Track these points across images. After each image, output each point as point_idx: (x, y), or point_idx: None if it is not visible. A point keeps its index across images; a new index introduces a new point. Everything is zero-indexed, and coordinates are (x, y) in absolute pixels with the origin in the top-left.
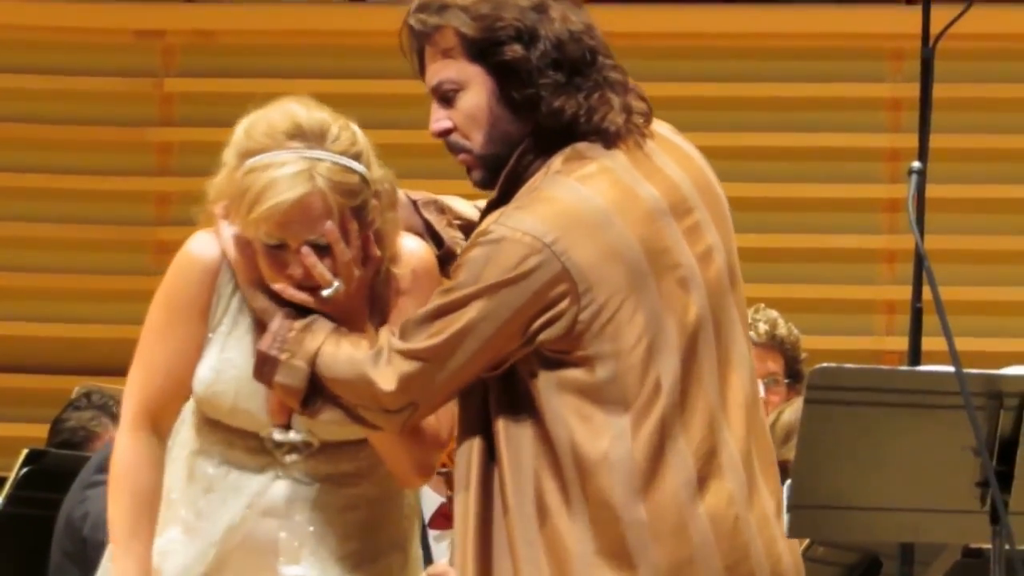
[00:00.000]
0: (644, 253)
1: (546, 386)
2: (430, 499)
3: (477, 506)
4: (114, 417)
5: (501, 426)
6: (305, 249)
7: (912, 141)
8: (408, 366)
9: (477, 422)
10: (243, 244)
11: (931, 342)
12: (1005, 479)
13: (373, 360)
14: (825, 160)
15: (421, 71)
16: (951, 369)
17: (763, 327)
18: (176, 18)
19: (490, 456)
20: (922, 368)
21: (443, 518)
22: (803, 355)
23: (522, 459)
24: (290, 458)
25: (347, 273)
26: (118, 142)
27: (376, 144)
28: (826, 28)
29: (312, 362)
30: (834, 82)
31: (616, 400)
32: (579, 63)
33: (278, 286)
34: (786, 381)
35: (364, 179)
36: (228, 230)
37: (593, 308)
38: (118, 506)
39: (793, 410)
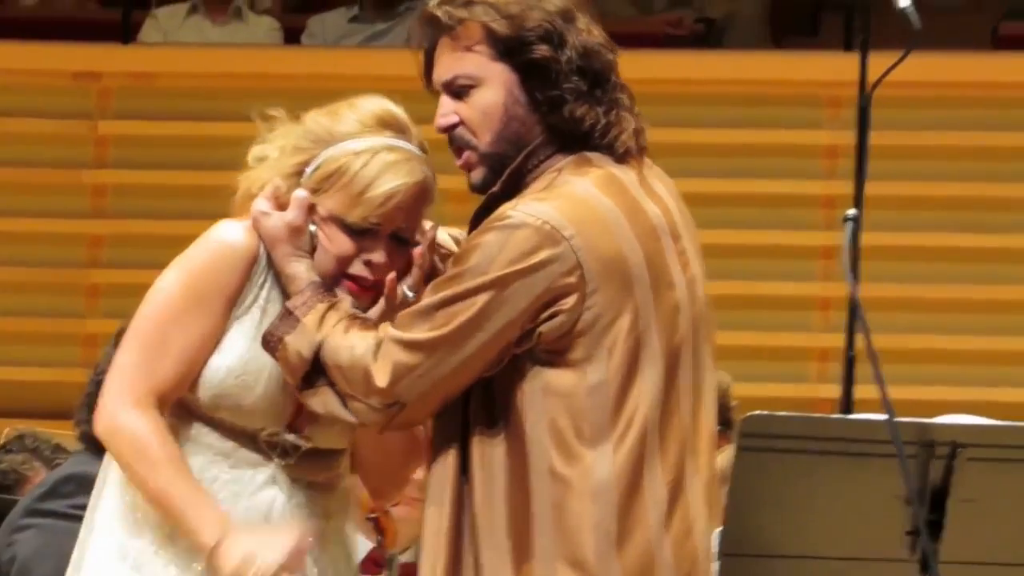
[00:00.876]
0: (647, 265)
1: (532, 389)
2: (359, 544)
3: (449, 523)
4: (46, 460)
5: (476, 440)
6: (420, 248)
7: (848, 188)
8: (405, 356)
9: (453, 436)
10: (302, 212)
11: (864, 390)
12: (936, 528)
13: (373, 352)
14: (761, 206)
15: (427, 67)
16: (883, 417)
17: None
18: (113, 60)
19: (464, 471)
20: (854, 416)
21: (372, 563)
22: (734, 402)
23: (495, 469)
24: (282, 461)
25: (419, 275)
26: (52, 184)
27: None
28: (763, 75)
29: (323, 338)
30: (771, 128)
31: (600, 409)
32: (600, 76)
33: (359, 270)
34: (717, 428)
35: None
36: (264, 203)
37: (596, 310)
38: (160, 474)
39: (724, 457)
